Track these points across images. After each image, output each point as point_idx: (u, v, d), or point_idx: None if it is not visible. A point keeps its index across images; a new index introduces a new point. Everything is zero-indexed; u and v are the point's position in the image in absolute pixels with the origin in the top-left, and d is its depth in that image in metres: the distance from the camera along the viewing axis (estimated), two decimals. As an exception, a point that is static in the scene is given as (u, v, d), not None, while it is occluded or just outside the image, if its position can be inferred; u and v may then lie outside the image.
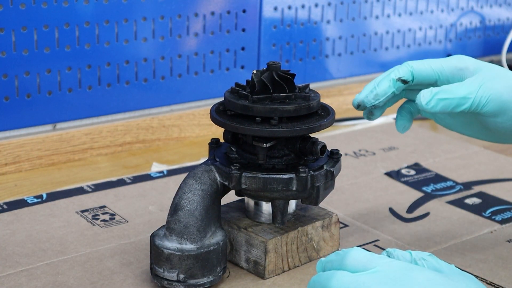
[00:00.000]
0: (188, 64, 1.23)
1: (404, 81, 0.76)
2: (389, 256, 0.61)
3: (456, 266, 0.62)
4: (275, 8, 1.29)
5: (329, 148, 0.82)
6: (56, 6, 1.08)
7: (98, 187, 1.01)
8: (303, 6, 1.33)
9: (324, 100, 0.95)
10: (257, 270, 0.79)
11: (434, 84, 0.77)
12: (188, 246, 0.74)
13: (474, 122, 0.78)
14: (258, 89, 0.77)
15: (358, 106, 0.77)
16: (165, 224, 0.77)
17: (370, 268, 0.58)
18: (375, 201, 0.99)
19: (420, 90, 0.75)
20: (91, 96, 1.15)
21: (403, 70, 0.76)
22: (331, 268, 0.60)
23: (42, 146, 1.10)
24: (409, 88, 0.79)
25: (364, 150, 1.18)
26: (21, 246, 0.85)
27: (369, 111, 0.80)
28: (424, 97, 0.73)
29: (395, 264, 0.58)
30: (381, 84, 0.76)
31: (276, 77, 0.77)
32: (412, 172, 1.09)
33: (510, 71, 0.76)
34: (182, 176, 1.00)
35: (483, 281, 0.80)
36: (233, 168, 0.77)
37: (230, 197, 0.85)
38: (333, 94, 1.40)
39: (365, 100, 0.76)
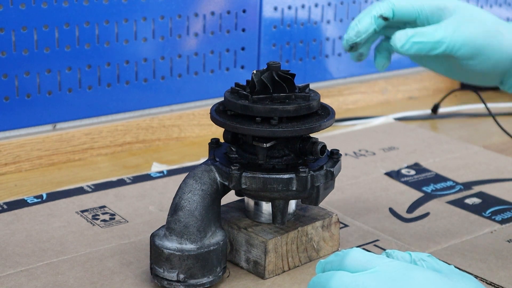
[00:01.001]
0: (188, 64, 1.23)
1: (385, 18, 0.76)
2: (389, 257, 0.61)
3: (455, 267, 0.61)
4: (275, 8, 1.29)
5: (329, 148, 0.82)
6: (56, 6, 1.08)
7: (98, 187, 1.01)
8: (303, 6, 1.33)
9: (324, 100, 0.95)
10: (257, 270, 0.79)
11: (414, 22, 0.77)
12: (188, 246, 0.74)
13: (448, 61, 0.79)
14: (258, 89, 0.77)
15: (350, 48, 0.78)
16: (165, 224, 0.77)
17: (369, 268, 0.58)
18: (375, 201, 0.99)
19: (400, 28, 0.75)
20: (91, 96, 1.15)
21: (384, 7, 0.76)
22: (330, 269, 0.60)
23: (42, 146, 1.10)
24: (389, 26, 0.79)
25: (364, 150, 1.18)
26: (21, 246, 0.85)
27: (359, 53, 0.81)
28: (400, 40, 0.74)
29: (395, 264, 0.58)
30: (363, 21, 0.76)
31: (276, 77, 0.77)
32: (412, 172, 1.09)
33: (487, 12, 0.77)
34: (182, 176, 1.00)
35: (483, 281, 0.80)
36: (233, 168, 0.77)
37: (230, 197, 0.85)
38: (333, 94, 1.40)
39: (347, 37, 0.77)
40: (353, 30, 0.77)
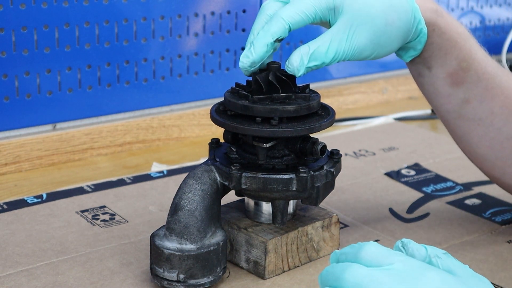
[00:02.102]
0: (188, 64, 1.23)
1: (281, 39, 0.75)
2: (404, 248, 0.59)
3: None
4: (275, 8, 1.29)
5: (329, 148, 0.82)
6: (56, 6, 1.08)
7: (98, 187, 1.01)
8: (303, 6, 1.32)
9: (324, 100, 0.95)
10: (257, 270, 0.79)
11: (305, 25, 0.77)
12: (188, 246, 0.74)
13: None
14: (258, 89, 0.77)
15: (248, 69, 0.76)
16: (165, 224, 0.77)
17: (385, 264, 0.56)
18: (375, 201, 0.99)
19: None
20: (91, 96, 1.15)
21: (280, 29, 0.74)
22: (345, 260, 0.58)
23: (42, 146, 1.10)
24: None
25: (364, 150, 1.18)
26: (21, 246, 0.85)
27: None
28: (298, 70, 0.74)
29: (411, 263, 0.56)
30: (257, 49, 0.74)
31: (276, 77, 0.77)
32: (412, 172, 1.09)
33: (375, 2, 0.76)
34: (182, 176, 1.00)
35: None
36: (233, 168, 0.77)
37: (230, 197, 0.85)
38: (333, 94, 1.40)
39: (241, 66, 0.75)
40: (247, 59, 0.74)
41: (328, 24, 0.78)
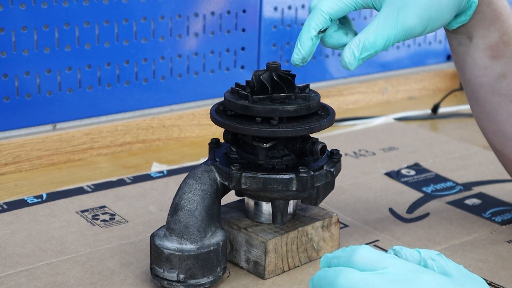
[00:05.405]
0: (188, 64, 1.23)
1: (324, 30, 0.76)
2: (397, 255, 0.58)
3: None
4: (275, 8, 1.29)
5: (329, 148, 0.82)
6: (56, 6, 1.08)
7: (98, 187, 1.01)
8: (303, 6, 1.33)
9: (324, 100, 0.95)
10: (257, 270, 0.79)
11: (349, 12, 0.77)
12: (188, 246, 0.74)
13: None
14: (258, 89, 0.77)
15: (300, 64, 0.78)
16: (165, 224, 0.77)
17: (379, 268, 0.56)
18: (375, 201, 0.99)
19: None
20: (91, 96, 1.15)
21: (320, 21, 0.76)
22: (337, 264, 0.58)
23: (42, 146, 1.10)
24: None
25: (364, 150, 1.18)
26: (21, 246, 0.85)
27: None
28: (350, 64, 0.75)
29: (406, 266, 0.56)
30: (304, 45, 0.76)
31: (276, 77, 0.77)
32: (412, 172, 1.09)
33: None
34: (182, 176, 1.00)
35: (483, 282, 0.79)
36: (233, 168, 0.77)
37: (230, 197, 0.85)
38: (333, 94, 1.40)
39: (293, 63, 0.77)
40: (298, 56, 0.76)
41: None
